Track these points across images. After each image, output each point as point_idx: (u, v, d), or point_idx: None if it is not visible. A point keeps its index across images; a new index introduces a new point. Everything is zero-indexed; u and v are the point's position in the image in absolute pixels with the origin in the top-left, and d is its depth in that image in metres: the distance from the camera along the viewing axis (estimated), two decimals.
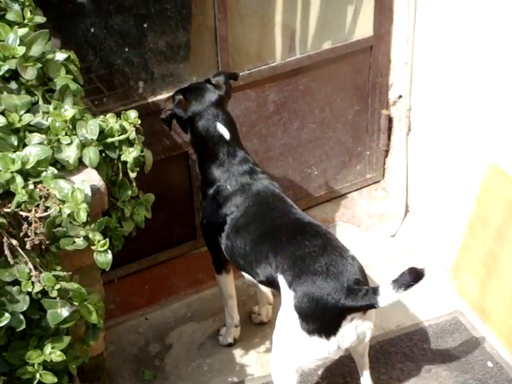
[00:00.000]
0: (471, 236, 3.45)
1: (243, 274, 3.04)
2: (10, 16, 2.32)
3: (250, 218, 2.90)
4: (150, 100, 3.32)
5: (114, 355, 3.27)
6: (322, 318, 2.59)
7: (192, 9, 3.43)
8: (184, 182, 3.64)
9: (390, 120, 4.05)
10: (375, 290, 2.52)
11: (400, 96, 3.94)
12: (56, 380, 2.12)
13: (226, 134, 2.97)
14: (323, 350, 2.64)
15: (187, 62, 3.50)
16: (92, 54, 3.15)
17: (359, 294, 2.54)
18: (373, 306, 2.54)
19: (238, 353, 3.32)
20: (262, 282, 2.94)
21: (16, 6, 2.36)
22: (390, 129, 4.08)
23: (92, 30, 3.09)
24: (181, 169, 3.60)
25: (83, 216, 2.03)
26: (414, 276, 2.52)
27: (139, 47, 3.27)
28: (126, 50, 3.22)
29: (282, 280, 2.68)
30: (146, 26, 3.22)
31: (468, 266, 3.49)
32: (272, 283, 2.81)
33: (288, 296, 2.65)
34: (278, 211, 2.91)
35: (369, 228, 4.01)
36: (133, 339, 3.39)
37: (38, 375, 2.10)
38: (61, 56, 2.39)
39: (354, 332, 2.63)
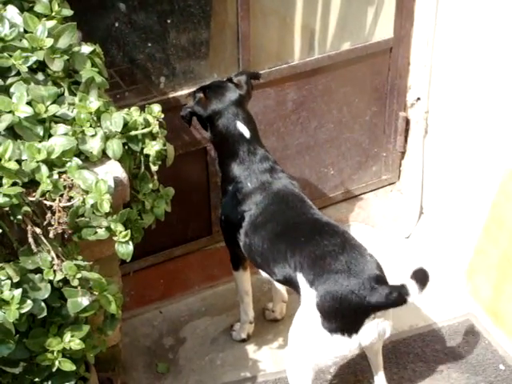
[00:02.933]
0: (486, 239, 3.46)
1: (260, 271, 3.06)
2: (38, 8, 2.35)
3: (268, 217, 2.92)
4: (170, 95, 3.35)
5: (129, 347, 3.30)
6: (345, 317, 2.61)
7: (213, 6, 3.46)
8: (201, 178, 3.66)
9: (407, 122, 4.06)
10: (402, 288, 2.55)
11: (418, 98, 3.95)
12: (75, 368, 2.16)
13: (246, 133, 2.99)
14: (344, 348, 2.67)
15: (208, 59, 3.53)
16: (115, 49, 3.19)
17: (385, 293, 2.55)
18: (401, 303, 2.57)
19: (251, 348, 3.34)
20: (279, 281, 2.97)
21: None
22: (406, 131, 4.09)
23: (116, 25, 3.13)
24: (199, 164, 3.62)
25: (106, 207, 2.05)
26: (426, 275, 2.59)
27: (162, 43, 3.30)
28: (149, 45, 3.26)
29: (301, 279, 2.70)
30: (169, 21, 3.25)
31: (482, 269, 3.50)
32: (290, 282, 2.82)
33: (309, 295, 2.66)
34: (296, 211, 2.92)
35: (383, 229, 4.02)
36: (147, 332, 3.43)
37: (57, 362, 2.13)
38: (87, 49, 2.41)
39: (376, 330, 2.65)
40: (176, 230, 3.66)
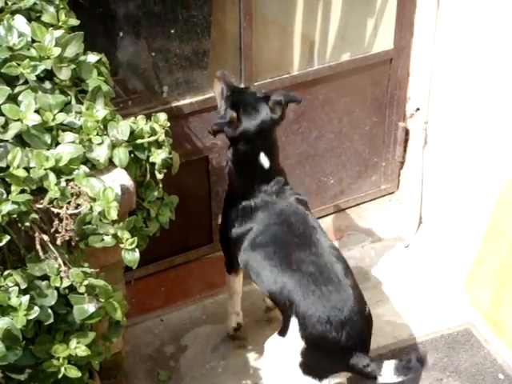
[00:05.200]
0: (485, 248, 3.48)
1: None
2: (45, 18, 2.37)
3: (268, 238, 2.92)
4: (173, 105, 3.37)
5: (130, 355, 3.31)
6: (323, 368, 2.74)
7: (215, 16, 3.49)
8: (203, 187, 3.68)
9: (406, 132, 4.09)
10: (379, 365, 2.63)
11: (417, 109, 3.98)
12: (80, 374, 2.17)
13: (266, 164, 2.93)
14: None
15: (209, 69, 3.55)
16: (119, 58, 3.21)
17: (363, 364, 2.65)
18: (372, 378, 2.65)
19: (251, 356, 3.36)
20: (270, 299, 3.01)
21: (51, 9, 2.42)
22: (406, 141, 4.12)
23: (120, 34, 3.15)
24: (200, 173, 3.64)
25: (114, 214, 2.07)
26: (416, 366, 2.63)
27: (165, 52, 3.32)
28: (153, 54, 3.28)
29: (294, 322, 2.72)
30: (172, 31, 3.28)
31: (481, 278, 3.53)
32: (279, 306, 2.87)
33: (296, 342, 2.71)
34: (298, 237, 2.88)
35: (383, 238, 4.05)
36: (148, 340, 3.44)
37: (62, 369, 2.14)
38: (93, 58, 2.43)
39: (344, 375, 2.82)
40: (177, 239, 3.67)
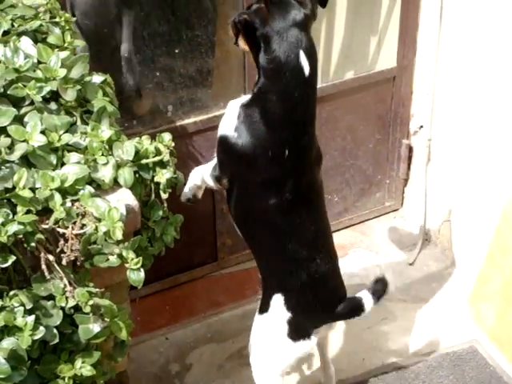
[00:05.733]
0: (490, 265, 3.48)
1: None
2: (51, 39, 2.39)
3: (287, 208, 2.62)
4: (177, 123, 3.39)
5: (135, 373, 3.30)
6: (310, 327, 2.78)
7: (218, 35, 3.51)
8: (207, 205, 3.69)
9: (410, 149, 4.11)
10: (359, 301, 2.75)
11: (421, 126, 4.00)
12: None
13: (307, 69, 2.39)
14: (307, 348, 2.81)
15: (213, 88, 3.58)
16: (124, 77, 3.23)
17: (345, 308, 2.75)
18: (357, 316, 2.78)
19: None
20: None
21: (57, 30, 2.44)
22: (409, 158, 4.14)
23: (126, 55, 3.18)
24: (205, 192, 3.64)
25: (119, 234, 2.08)
26: (384, 286, 2.83)
27: (170, 72, 3.35)
28: (157, 74, 3.31)
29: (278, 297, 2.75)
30: (177, 51, 3.30)
31: (486, 296, 3.53)
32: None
33: (281, 313, 2.74)
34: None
35: (387, 255, 4.05)
36: (153, 358, 3.44)
37: None
38: (98, 79, 2.45)
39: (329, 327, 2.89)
40: (182, 257, 3.68)
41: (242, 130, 2.51)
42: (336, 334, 3.41)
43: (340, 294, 2.79)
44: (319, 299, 2.73)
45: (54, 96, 2.31)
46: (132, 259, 2.16)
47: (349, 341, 3.52)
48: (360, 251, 4.08)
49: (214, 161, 2.70)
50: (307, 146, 2.55)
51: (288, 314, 2.72)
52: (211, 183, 2.76)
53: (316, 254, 2.71)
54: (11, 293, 2.02)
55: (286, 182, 2.54)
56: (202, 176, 2.80)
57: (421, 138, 4.01)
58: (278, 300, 2.74)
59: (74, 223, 2.10)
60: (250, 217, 2.73)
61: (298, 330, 2.76)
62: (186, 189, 2.90)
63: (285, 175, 2.53)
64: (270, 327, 2.79)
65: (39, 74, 2.26)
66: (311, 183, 2.64)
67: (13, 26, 2.38)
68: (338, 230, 4.18)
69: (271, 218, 2.63)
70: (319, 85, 3.71)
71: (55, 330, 2.08)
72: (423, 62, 3.83)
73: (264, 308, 2.80)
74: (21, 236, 2.03)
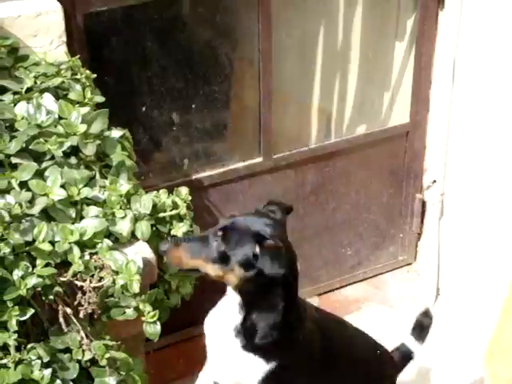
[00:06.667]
0: (505, 321, 3.46)
1: None
2: (72, 96, 2.46)
3: None
4: (193, 177, 3.43)
5: None
6: None
7: (234, 90, 3.58)
8: None
9: (423, 204, 4.12)
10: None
11: (434, 181, 4.02)
12: None
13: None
14: None
15: (229, 141, 3.63)
16: (141, 132, 3.28)
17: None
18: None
19: None
20: None
21: (78, 87, 2.51)
22: (423, 212, 4.15)
23: (143, 109, 3.24)
24: None
25: (136, 287, 2.11)
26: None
27: (186, 126, 3.40)
28: (174, 128, 3.36)
29: None
30: (193, 106, 3.36)
31: (501, 352, 3.49)
32: None
33: None
34: None
35: (401, 309, 4.03)
36: None
37: None
38: (117, 133, 2.51)
39: None
40: (195, 309, 3.67)
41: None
42: None
43: None
44: None
45: (74, 151, 2.36)
46: (148, 312, 2.19)
47: None
48: (374, 305, 4.06)
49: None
50: None
51: None
52: None
53: None
54: (29, 346, 2.04)
55: None
56: None
57: (434, 192, 4.03)
58: None
59: (92, 276, 2.14)
60: None
61: None
62: None
63: None
64: None
65: (60, 129, 2.32)
66: None
67: (36, 82, 2.46)
68: (351, 284, 4.18)
69: None
70: (333, 140, 3.81)
71: None
72: (436, 118, 3.87)
73: None
74: (39, 289, 2.06)
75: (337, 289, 4.14)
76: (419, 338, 2.92)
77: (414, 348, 2.89)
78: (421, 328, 2.91)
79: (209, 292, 3.69)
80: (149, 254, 2.30)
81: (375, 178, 4.01)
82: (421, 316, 2.94)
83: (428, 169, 4.05)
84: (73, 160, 2.35)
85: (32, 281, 2.01)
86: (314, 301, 4.04)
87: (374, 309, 4.03)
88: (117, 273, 2.13)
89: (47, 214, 2.19)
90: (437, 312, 3.96)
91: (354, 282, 4.20)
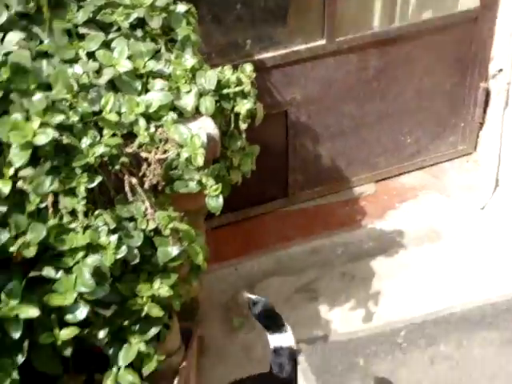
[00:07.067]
0: None
1: None
2: None
3: None
4: (255, 57, 3.40)
5: (205, 301, 3.39)
6: None
7: None
8: (281, 140, 3.72)
9: (487, 93, 4.03)
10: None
11: (500, 69, 3.92)
12: (162, 314, 2.25)
13: None
14: None
15: (292, 23, 3.56)
16: (205, 9, 3.24)
17: None
18: None
19: (322, 308, 3.42)
20: None
21: None
22: (486, 102, 4.07)
23: None
24: (279, 127, 3.68)
25: (200, 160, 2.13)
26: None
27: (249, 6, 3.34)
28: (238, 7, 3.31)
29: None
30: None
31: None
32: None
33: None
34: None
35: (458, 199, 4.02)
36: (222, 288, 3.52)
37: (146, 308, 2.21)
38: (182, 8, 2.48)
39: None
40: (253, 191, 3.73)
41: None
42: None
43: None
44: None
45: (141, 23, 2.35)
46: (211, 186, 2.21)
47: None
48: (431, 194, 4.05)
49: None
50: None
51: None
52: None
53: None
54: (96, 212, 2.08)
55: None
56: None
57: (499, 81, 3.94)
58: None
59: (157, 148, 2.16)
60: None
61: None
62: None
63: None
64: None
65: (127, 0, 2.29)
66: None
67: None
68: (410, 172, 4.17)
69: None
70: (397, 24, 3.71)
71: (136, 251, 2.14)
72: (507, 1, 3.73)
73: None
74: (106, 158, 2.10)
75: (395, 176, 4.14)
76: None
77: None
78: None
79: (267, 175, 3.75)
80: (212, 129, 2.30)
81: (439, 66, 3.92)
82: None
83: (495, 57, 3.94)
84: (139, 32, 2.34)
85: (100, 149, 2.04)
86: (371, 187, 4.06)
87: (431, 197, 4.03)
88: (181, 146, 2.15)
89: (114, 86, 2.20)
90: (495, 203, 3.96)
91: (412, 170, 4.19)
